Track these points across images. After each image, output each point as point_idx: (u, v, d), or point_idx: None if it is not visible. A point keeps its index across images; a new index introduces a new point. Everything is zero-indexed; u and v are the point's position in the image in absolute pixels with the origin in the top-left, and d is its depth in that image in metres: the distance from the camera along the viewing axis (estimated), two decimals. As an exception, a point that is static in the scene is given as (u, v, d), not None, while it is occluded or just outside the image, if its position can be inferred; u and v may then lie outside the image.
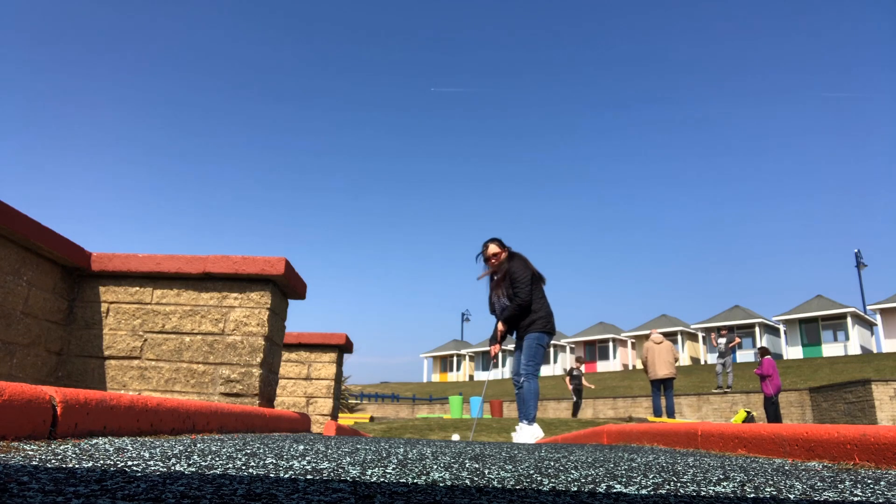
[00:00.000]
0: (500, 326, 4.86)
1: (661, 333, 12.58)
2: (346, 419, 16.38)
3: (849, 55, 60.77)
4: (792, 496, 1.13)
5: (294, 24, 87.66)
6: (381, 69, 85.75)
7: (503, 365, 44.29)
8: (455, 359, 49.17)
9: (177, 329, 3.54)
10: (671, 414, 12.03)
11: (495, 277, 4.92)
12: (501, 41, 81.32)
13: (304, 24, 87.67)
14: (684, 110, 70.30)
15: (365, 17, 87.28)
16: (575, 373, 16.15)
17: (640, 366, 38.63)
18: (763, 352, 13.38)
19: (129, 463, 1.21)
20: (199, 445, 1.71)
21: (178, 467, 1.19)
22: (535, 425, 4.74)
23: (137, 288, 3.61)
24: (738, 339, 18.10)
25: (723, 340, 17.57)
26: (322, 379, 6.07)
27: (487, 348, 46.58)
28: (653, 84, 71.16)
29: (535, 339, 4.72)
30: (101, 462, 1.19)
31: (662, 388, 12.16)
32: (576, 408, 16.23)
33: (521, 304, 4.72)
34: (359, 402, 29.23)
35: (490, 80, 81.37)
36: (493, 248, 4.96)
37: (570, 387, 16.00)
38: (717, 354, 18.30)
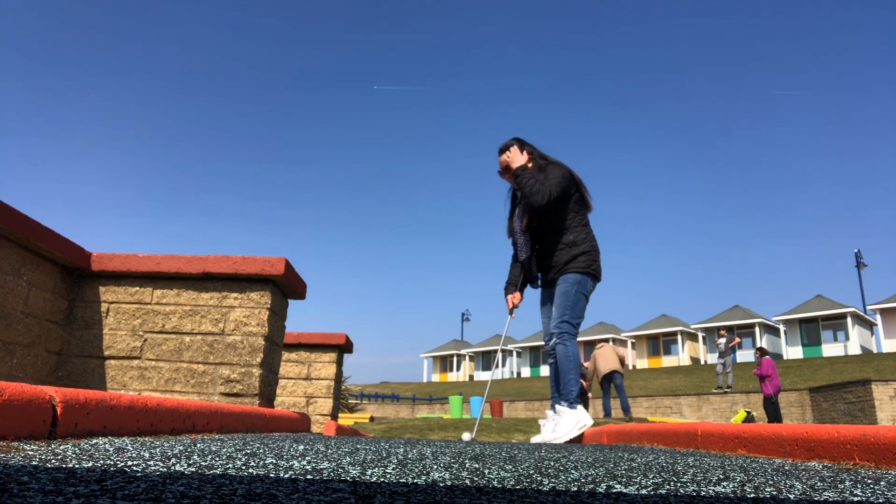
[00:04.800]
0: (508, 170, 3.49)
1: (606, 342, 13.28)
2: (346, 419, 16.37)
3: (847, 53, 60.76)
4: (792, 496, 1.13)
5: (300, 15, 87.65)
6: (379, 67, 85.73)
7: (502, 365, 44.20)
8: (455, 359, 49.16)
9: (177, 329, 3.54)
10: (627, 411, 12.07)
11: (519, 195, 3.65)
12: (501, 40, 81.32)
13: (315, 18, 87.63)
14: (682, 109, 70.26)
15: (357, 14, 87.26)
16: (585, 373, 16.07)
17: (640, 365, 38.64)
18: (762, 352, 13.42)
19: (129, 463, 1.21)
20: (199, 445, 1.71)
21: (178, 467, 1.19)
22: (580, 408, 3.56)
23: (137, 288, 3.61)
24: (738, 339, 18.15)
25: (723, 340, 17.60)
26: (322, 379, 6.07)
27: (489, 348, 46.68)
28: (652, 81, 71.15)
29: (575, 283, 3.43)
30: (101, 462, 1.19)
31: (613, 388, 12.34)
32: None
33: (539, 200, 3.38)
34: (359, 402, 29.22)
35: (494, 76, 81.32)
36: (505, 157, 3.61)
37: (585, 384, 15.89)
38: (717, 354, 18.33)
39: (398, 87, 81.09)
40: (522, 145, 3.66)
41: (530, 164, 3.60)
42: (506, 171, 3.67)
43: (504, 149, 3.68)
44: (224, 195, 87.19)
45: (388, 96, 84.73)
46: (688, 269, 75.34)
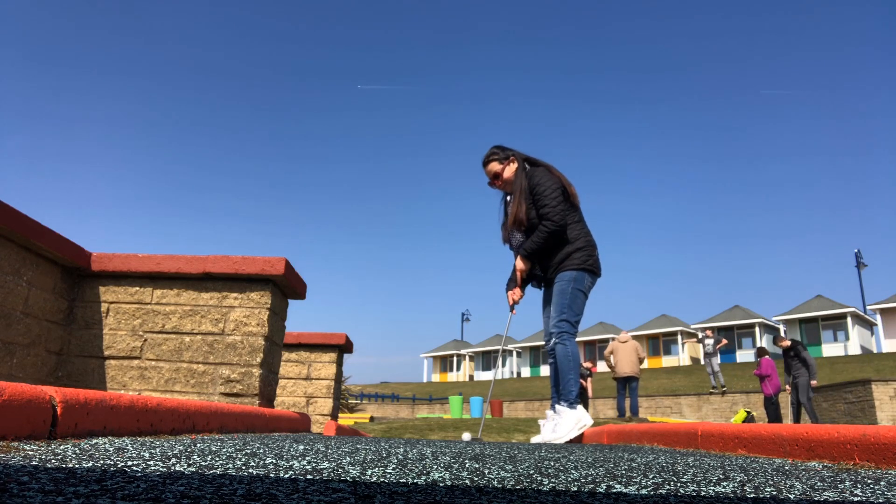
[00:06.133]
0: (520, 264, 3.55)
1: (628, 334, 12.83)
2: (346, 419, 16.38)
3: (848, 53, 60.79)
4: (792, 496, 1.13)
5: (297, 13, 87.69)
6: (372, 65, 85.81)
7: (503, 365, 44.21)
8: (455, 359, 49.19)
9: (177, 329, 3.54)
10: (635, 413, 12.07)
11: (509, 199, 3.67)
12: (490, 38, 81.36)
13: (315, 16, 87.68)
14: (683, 108, 70.30)
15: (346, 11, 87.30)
16: (585, 373, 16.01)
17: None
18: (761, 352, 13.40)
19: (129, 463, 1.21)
20: (199, 445, 1.71)
21: (178, 467, 1.19)
22: (580, 408, 3.53)
23: (137, 288, 3.61)
24: (724, 341, 18.22)
25: (710, 341, 17.62)
26: (322, 379, 6.07)
27: (489, 348, 46.76)
28: (651, 80, 71.19)
29: (571, 281, 3.44)
30: (101, 462, 1.19)
31: (627, 389, 12.27)
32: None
33: (551, 230, 3.40)
34: (359, 402, 29.23)
35: (485, 75, 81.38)
36: (493, 167, 3.64)
37: (587, 384, 15.81)
38: (703, 355, 18.35)
39: (383, 87, 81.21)
40: (505, 153, 3.67)
41: (510, 168, 3.62)
42: (495, 179, 3.71)
43: (487, 161, 3.71)
44: (224, 195, 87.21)
45: (374, 95, 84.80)
46: (688, 269, 75.39)
